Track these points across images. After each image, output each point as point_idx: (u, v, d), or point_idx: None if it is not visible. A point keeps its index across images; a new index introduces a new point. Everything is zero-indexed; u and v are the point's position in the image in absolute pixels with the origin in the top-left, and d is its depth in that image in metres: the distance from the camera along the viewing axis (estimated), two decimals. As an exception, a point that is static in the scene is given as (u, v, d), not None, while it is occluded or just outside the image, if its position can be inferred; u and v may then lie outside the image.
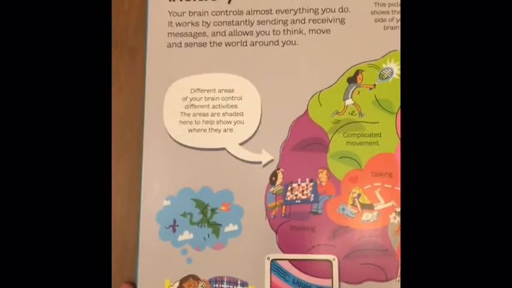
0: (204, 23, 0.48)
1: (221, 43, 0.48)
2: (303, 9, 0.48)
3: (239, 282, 0.44)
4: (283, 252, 0.44)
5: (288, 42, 0.48)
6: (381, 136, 0.46)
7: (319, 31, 0.48)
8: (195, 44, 0.48)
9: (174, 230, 0.45)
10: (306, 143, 0.46)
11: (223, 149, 0.46)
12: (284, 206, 0.45)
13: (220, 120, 0.46)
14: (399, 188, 0.45)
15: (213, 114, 0.47)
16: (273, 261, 0.44)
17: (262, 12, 0.48)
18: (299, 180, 0.45)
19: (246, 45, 0.48)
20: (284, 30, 0.48)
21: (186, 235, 0.45)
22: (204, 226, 0.45)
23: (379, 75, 0.47)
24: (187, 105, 0.47)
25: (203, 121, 0.46)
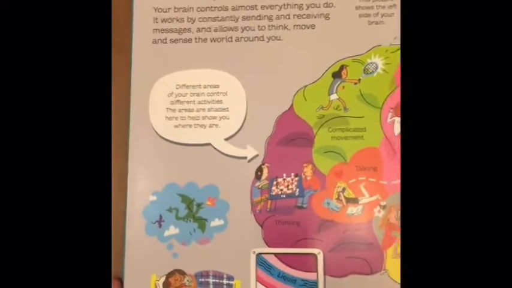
0: (189, 19, 0.48)
1: (206, 39, 0.48)
2: (287, 4, 0.48)
3: (225, 276, 0.44)
4: (269, 246, 0.45)
5: (273, 38, 0.48)
6: (365, 130, 0.46)
7: (303, 26, 0.48)
8: (181, 40, 0.48)
9: (160, 225, 0.45)
10: (291, 137, 0.46)
11: (209, 144, 0.46)
12: (269, 201, 0.45)
13: (206, 116, 0.47)
14: (384, 182, 0.45)
15: (198, 110, 0.47)
16: (258, 255, 0.44)
17: (247, 8, 0.48)
18: (284, 174, 0.46)
19: (231, 41, 0.48)
20: (269, 26, 0.48)
21: (172, 230, 0.45)
22: (190, 221, 0.45)
23: (364, 70, 0.47)
24: (172, 101, 0.47)
25: (188, 117, 0.47)
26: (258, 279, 0.44)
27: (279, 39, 0.48)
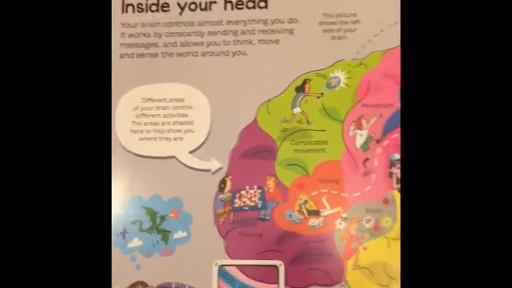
0: (156, 34, 0.49)
1: (172, 54, 0.49)
2: (252, 20, 0.49)
3: (187, 288, 0.45)
4: (231, 258, 0.45)
5: (238, 53, 0.49)
6: (327, 143, 0.47)
7: (268, 41, 0.49)
8: (147, 55, 0.49)
9: (124, 237, 0.46)
10: (254, 150, 0.47)
11: (173, 157, 0.47)
12: (232, 213, 0.46)
13: (171, 129, 0.47)
14: (345, 195, 0.46)
15: (163, 123, 0.47)
16: (220, 267, 0.45)
17: (213, 23, 0.49)
18: (247, 187, 0.46)
19: (197, 55, 0.49)
20: (234, 41, 0.49)
21: (136, 242, 0.46)
22: (154, 233, 0.46)
23: (327, 84, 0.48)
24: (138, 115, 0.48)
25: (154, 130, 0.47)
26: (220, 291, 0.45)
27: (244, 54, 0.49)
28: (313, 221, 0.46)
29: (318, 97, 0.48)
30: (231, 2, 0.49)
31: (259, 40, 0.49)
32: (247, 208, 0.46)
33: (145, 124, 0.47)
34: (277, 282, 0.45)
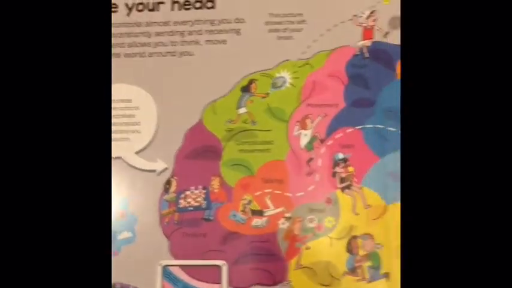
0: (103, 35, 0.49)
1: (120, 54, 0.49)
2: (199, 20, 0.49)
3: (131, 289, 0.45)
4: (176, 258, 0.45)
5: (185, 53, 0.49)
6: (272, 143, 0.47)
7: (215, 42, 0.49)
8: (94, 56, 0.49)
9: (69, 238, 0.46)
10: (199, 151, 0.47)
11: (120, 157, 0.47)
12: (177, 213, 0.46)
13: (117, 130, 0.48)
14: (289, 194, 0.46)
15: (109, 124, 0.48)
16: (164, 267, 0.45)
17: (160, 23, 0.49)
18: (192, 187, 0.47)
19: (145, 56, 0.49)
20: (181, 42, 0.49)
21: (80, 243, 0.46)
22: (98, 234, 0.46)
23: (272, 84, 0.48)
24: (84, 116, 0.48)
25: (99, 131, 0.47)
26: (163, 291, 0.45)
27: (191, 55, 0.49)
28: (257, 221, 0.46)
29: (264, 97, 0.48)
30: (178, 2, 0.50)
31: (206, 40, 0.49)
32: (191, 208, 0.46)
33: (91, 125, 0.47)
34: (220, 282, 0.45)
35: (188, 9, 0.49)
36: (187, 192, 0.46)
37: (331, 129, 0.47)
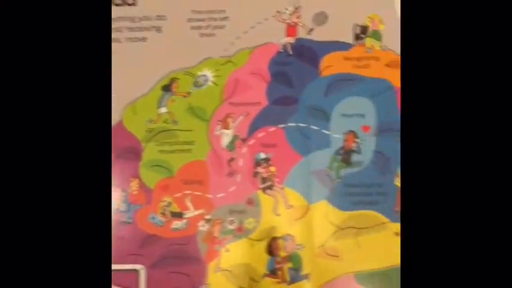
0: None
1: (37, 53, 0.47)
2: (120, 17, 0.48)
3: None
4: (93, 263, 0.44)
5: (105, 51, 0.47)
6: (194, 144, 0.46)
7: (135, 39, 0.47)
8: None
9: None
10: (119, 152, 0.46)
11: (36, 160, 0.45)
12: (95, 216, 0.45)
13: (33, 131, 0.46)
14: (209, 196, 0.45)
15: (25, 125, 0.46)
16: (80, 272, 0.44)
17: (79, 21, 0.48)
18: (111, 189, 0.45)
19: (63, 54, 0.47)
20: (101, 39, 0.47)
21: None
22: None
23: (194, 83, 0.47)
24: None
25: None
26: (77, 297, 0.43)
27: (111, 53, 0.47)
28: (176, 224, 0.45)
29: (185, 96, 0.46)
30: (98, -1, 0.48)
31: (126, 38, 0.48)
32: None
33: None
34: (137, 287, 0.44)
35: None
36: (106, 195, 0.45)
37: (253, 128, 0.46)
